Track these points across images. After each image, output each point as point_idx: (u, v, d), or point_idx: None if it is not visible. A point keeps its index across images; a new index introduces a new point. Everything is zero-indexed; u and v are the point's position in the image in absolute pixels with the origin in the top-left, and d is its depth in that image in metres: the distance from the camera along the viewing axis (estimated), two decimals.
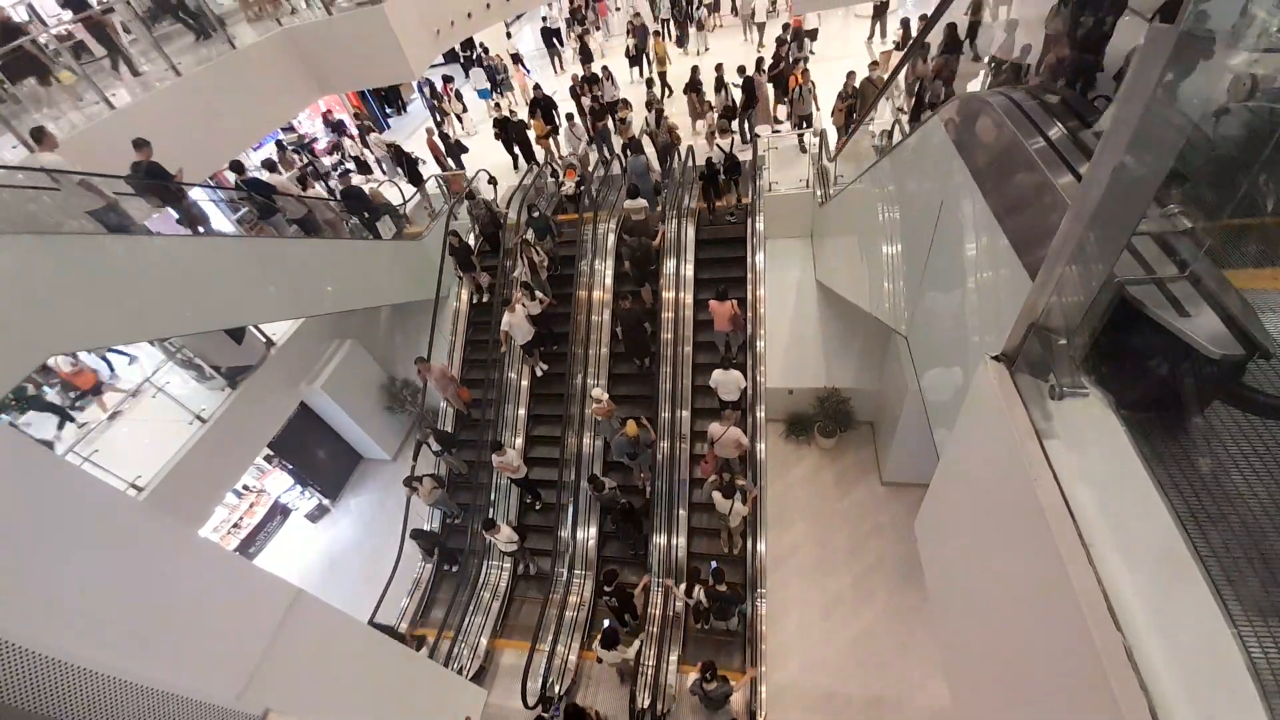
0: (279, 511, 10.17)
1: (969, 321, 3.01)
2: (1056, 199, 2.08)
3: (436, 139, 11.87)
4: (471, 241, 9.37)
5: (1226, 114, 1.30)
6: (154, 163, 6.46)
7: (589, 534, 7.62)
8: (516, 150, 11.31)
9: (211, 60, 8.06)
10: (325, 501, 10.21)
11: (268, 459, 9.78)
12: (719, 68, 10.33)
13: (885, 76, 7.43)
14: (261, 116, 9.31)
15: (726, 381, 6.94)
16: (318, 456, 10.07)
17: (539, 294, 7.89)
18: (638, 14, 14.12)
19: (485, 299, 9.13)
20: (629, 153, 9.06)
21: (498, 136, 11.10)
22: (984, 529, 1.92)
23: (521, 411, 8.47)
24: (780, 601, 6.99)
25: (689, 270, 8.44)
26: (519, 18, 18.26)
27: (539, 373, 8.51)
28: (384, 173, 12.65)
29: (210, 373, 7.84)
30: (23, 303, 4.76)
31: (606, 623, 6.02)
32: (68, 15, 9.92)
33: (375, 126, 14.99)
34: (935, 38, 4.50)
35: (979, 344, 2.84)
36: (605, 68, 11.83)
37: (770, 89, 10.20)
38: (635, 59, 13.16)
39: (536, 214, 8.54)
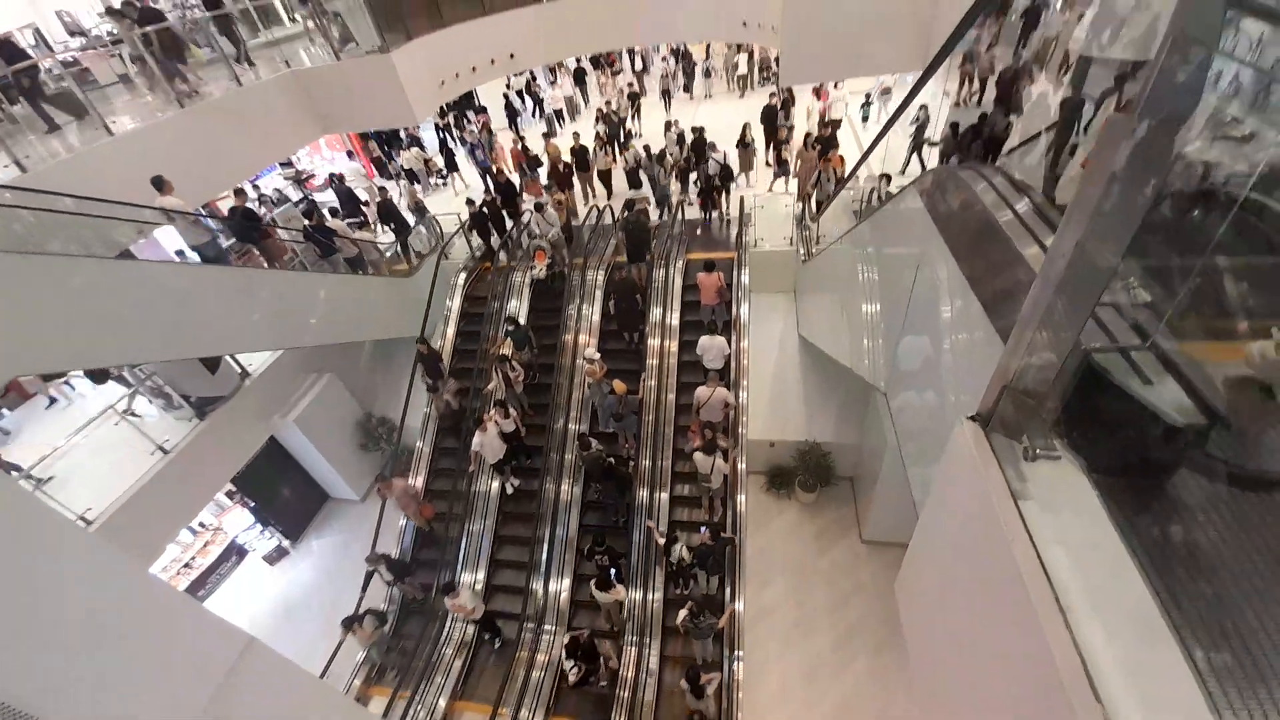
0: (235, 552, 9.66)
1: (945, 381, 3.08)
2: (1025, 268, 2.19)
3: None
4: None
5: (1181, 196, 1.40)
6: (248, 208, 7.67)
7: (561, 585, 7.32)
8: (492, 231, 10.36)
9: (214, 96, 8.24)
10: (285, 543, 9.73)
11: (229, 495, 9.38)
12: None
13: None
14: (262, 151, 9.46)
15: (712, 347, 7.41)
16: (282, 494, 9.67)
17: (514, 410, 7.53)
18: (631, 84, 15.05)
19: (456, 405, 8.44)
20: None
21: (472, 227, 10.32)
22: (963, 591, 1.90)
23: (487, 543, 7.75)
24: (759, 662, 6.75)
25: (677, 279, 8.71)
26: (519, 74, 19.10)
27: (509, 489, 7.88)
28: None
29: (179, 402, 7.59)
30: None
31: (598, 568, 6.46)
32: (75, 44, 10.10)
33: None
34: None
35: (955, 404, 2.90)
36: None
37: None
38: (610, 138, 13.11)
39: (513, 326, 8.21)
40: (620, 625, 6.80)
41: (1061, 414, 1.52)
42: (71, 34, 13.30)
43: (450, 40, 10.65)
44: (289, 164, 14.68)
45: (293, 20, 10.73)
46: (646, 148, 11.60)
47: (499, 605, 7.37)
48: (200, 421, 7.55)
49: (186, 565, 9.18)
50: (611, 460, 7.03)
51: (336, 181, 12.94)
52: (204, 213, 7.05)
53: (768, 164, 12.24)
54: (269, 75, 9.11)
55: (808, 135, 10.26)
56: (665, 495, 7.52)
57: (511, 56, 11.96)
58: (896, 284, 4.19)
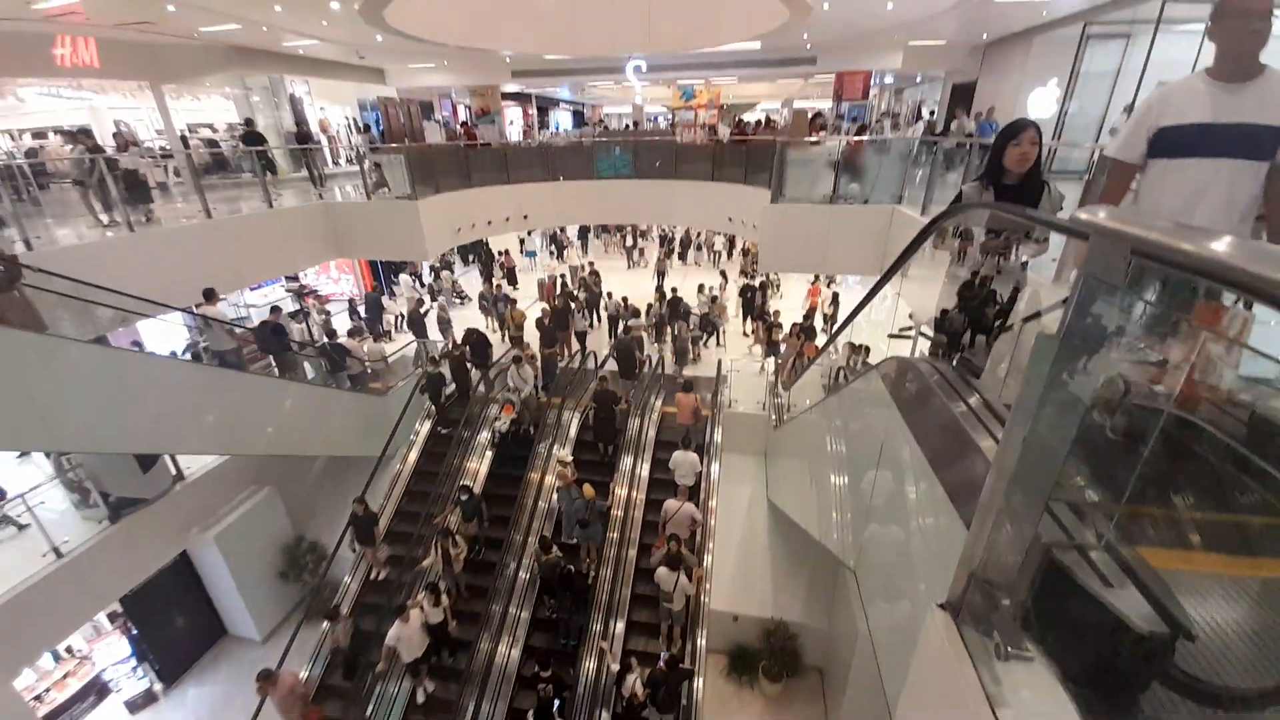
0: (96, 690, 7.98)
1: (915, 564, 3.02)
2: (980, 459, 2.30)
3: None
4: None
5: (1110, 409, 1.56)
6: (279, 324, 8.73)
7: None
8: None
9: (243, 214, 8.91)
10: (157, 686, 8.14)
11: (111, 616, 8.05)
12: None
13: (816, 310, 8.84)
14: (276, 264, 10.00)
15: (684, 462, 7.76)
16: (174, 622, 8.33)
17: (445, 596, 6.69)
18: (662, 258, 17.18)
19: (380, 576, 7.74)
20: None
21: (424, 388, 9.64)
22: None
23: None
24: None
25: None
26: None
27: (421, 697, 6.64)
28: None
29: (96, 500, 6.90)
30: None
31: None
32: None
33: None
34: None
35: (925, 591, 2.81)
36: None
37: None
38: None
39: (467, 497, 7.54)
40: None
41: (1031, 611, 1.49)
42: (123, 144, 14.68)
43: (473, 198, 11.99)
44: (294, 277, 15.32)
45: (336, 164, 12.14)
46: (625, 298, 12.80)
47: None
48: (110, 525, 6.79)
49: (37, 698, 7.48)
50: (571, 568, 6.82)
51: (369, 292, 14.31)
52: (237, 323, 7.85)
53: (744, 334, 13.35)
54: (302, 202, 9.96)
55: (794, 325, 11.27)
56: (622, 624, 7.01)
57: (525, 217, 13.38)
58: (863, 460, 4.30)
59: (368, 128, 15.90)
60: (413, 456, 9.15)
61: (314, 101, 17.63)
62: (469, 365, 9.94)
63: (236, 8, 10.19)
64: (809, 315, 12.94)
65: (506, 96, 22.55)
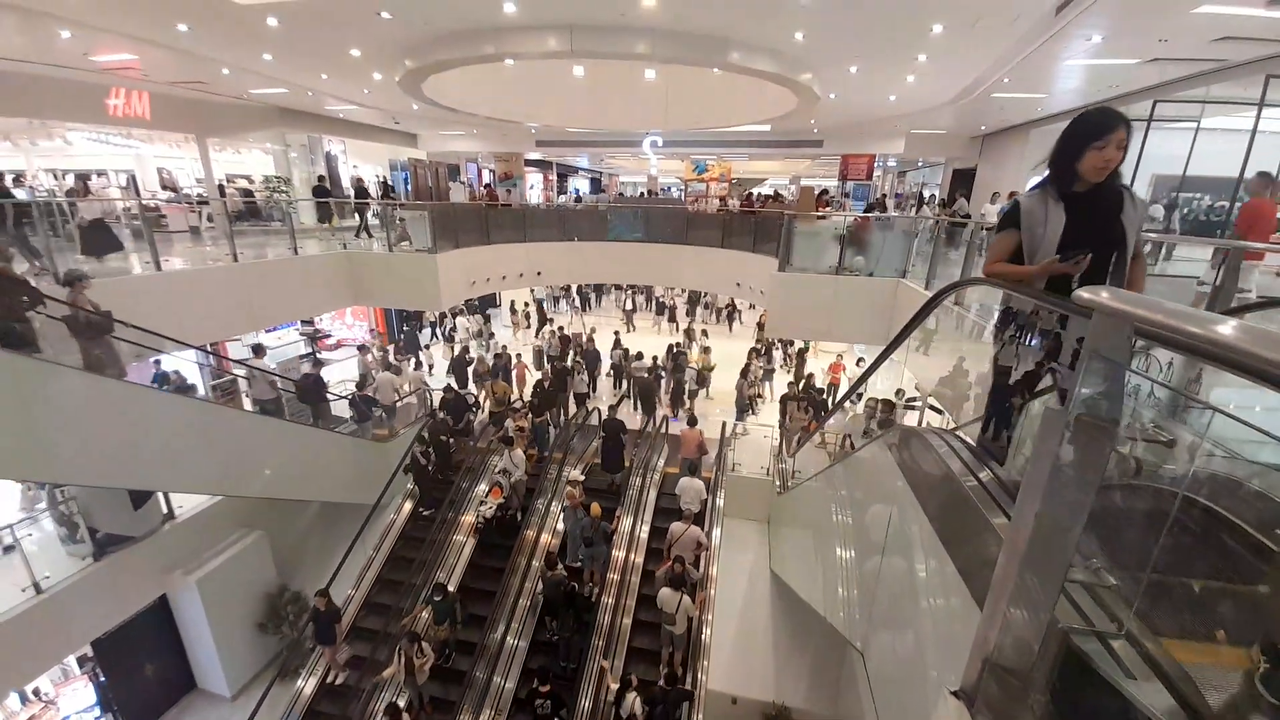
0: None
1: (927, 646, 2.87)
2: (993, 536, 2.24)
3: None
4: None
5: (1122, 488, 1.54)
6: (320, 376, 9.61)
7: None
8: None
9: (268, 259, 9.25)
10: None
11: (81, 660, 7.66)
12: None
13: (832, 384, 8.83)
14: (296, 307, 10.28)
15: (690, 488, 8.03)
16: (143, 671, 7.89)
17: (405, 715, 6.10)
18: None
19: (338, 680, 7.09)
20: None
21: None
22: None
23: None
24: None
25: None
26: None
27: None
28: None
29: (83, 535, 6.75)
30: None
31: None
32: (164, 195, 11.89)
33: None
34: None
35: (938, 676, 2.66)
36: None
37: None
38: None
39: (441, 596, 6.92)
40: None
41: (1050, 703, 1.41)
42: (164, 187, 15.54)
43: (491, 254, 12.41)
44: (309, 322, 15.65)
45: (361, 219, 12.71)
46: (626, 349, 13.00)
47: None
48: (94, 562, 6.60)
49: None
50: (574, 585, 6.90)
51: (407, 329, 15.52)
52: (279, 372, 8.81)
53: (762, 396, 13.30)
54: (324, 251, 10.35)
55: (800, 399, 11.04)
56: (623, 648, 7.02)
57: (539, 274, 13.77)
58: (870, 533, 4.17)
59: (392, 188, 16.84)
60: (388, 544, 8.58)
61: (348, 159, 18.70)
62: (447, 436, 9.60)
63: (287, 73, 11.03)
64: (827, 390, 12.86)
65: (529, 163, 23.81)
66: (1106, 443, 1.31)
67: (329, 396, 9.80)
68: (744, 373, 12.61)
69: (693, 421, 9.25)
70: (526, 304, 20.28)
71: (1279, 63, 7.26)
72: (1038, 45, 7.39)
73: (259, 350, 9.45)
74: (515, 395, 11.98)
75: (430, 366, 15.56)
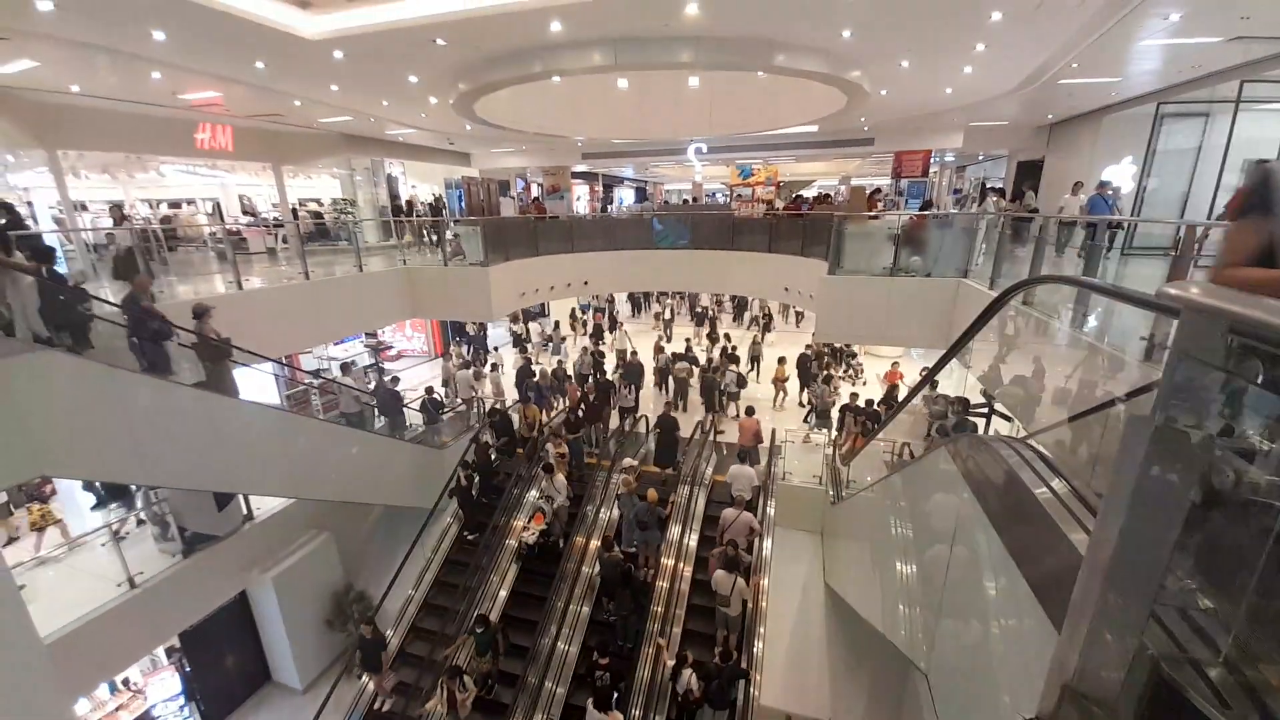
0: None
1: (998, 670, 2.70)
2: (1071, 553, 2.08)
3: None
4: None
5: (1218, 501, 1.39)
6: (396, 391, 10.50)
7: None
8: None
9: (336, 275, 9.85)
10: None
11: (169, 651, 8.32)
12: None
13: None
14: (362, 320, 10.92)
15: (741, 475, 8.30)
16: (224, 663, 8.51)
17: None
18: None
19: (385, 708, 7.24)
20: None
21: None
22: None
23: None
24: None
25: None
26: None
27: None
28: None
29: (173, 534, 7.35)
30: (37, 416, 4.91)
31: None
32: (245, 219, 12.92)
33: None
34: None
35: (1010, 703, 2.49)
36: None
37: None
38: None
39: (483, 628, 6.86)
40: None
41: None
42: (245, 213, 16.87)
43: (539, 265, 12.72)
44: (372, 334, 16.53)
45: (420, 238, 13.38)
46: (675, 353, 13.04)
47: None
48: (183, 559, 7.17)
49: None
50: (630, 566, 7.19)
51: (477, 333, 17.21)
52: (354, 388, 9.70)
53: (801, 404, 13.03)
54: (387, 267, 10.93)
55: (857, 412, 10.61)
56: (678, 628, 7.24)
57: (585, 284, 13.99)
58: (933, 547, 3.97)
59: (443, 207, 17.69)
60: (433, 570, 8.79)
61: (407, 180, 19.71)
62: (492, 455, 9.74)
63: (351, 102, 11.76)
64: (885, 398, 12.35)
65: (575, 175, 24.32)
66: (1197, 452, 1.20)
67: (404, 408, 10.57)
68: (826, 379, 12.53)
69: (750, 412, 9.73)
70: (583, 311, 20.65)
71: None
72: (1110, 26, 6.90)
73: (346, 369, 10.69)
74: (547, 419, 11.52)
75: (499, 366, 15.95)
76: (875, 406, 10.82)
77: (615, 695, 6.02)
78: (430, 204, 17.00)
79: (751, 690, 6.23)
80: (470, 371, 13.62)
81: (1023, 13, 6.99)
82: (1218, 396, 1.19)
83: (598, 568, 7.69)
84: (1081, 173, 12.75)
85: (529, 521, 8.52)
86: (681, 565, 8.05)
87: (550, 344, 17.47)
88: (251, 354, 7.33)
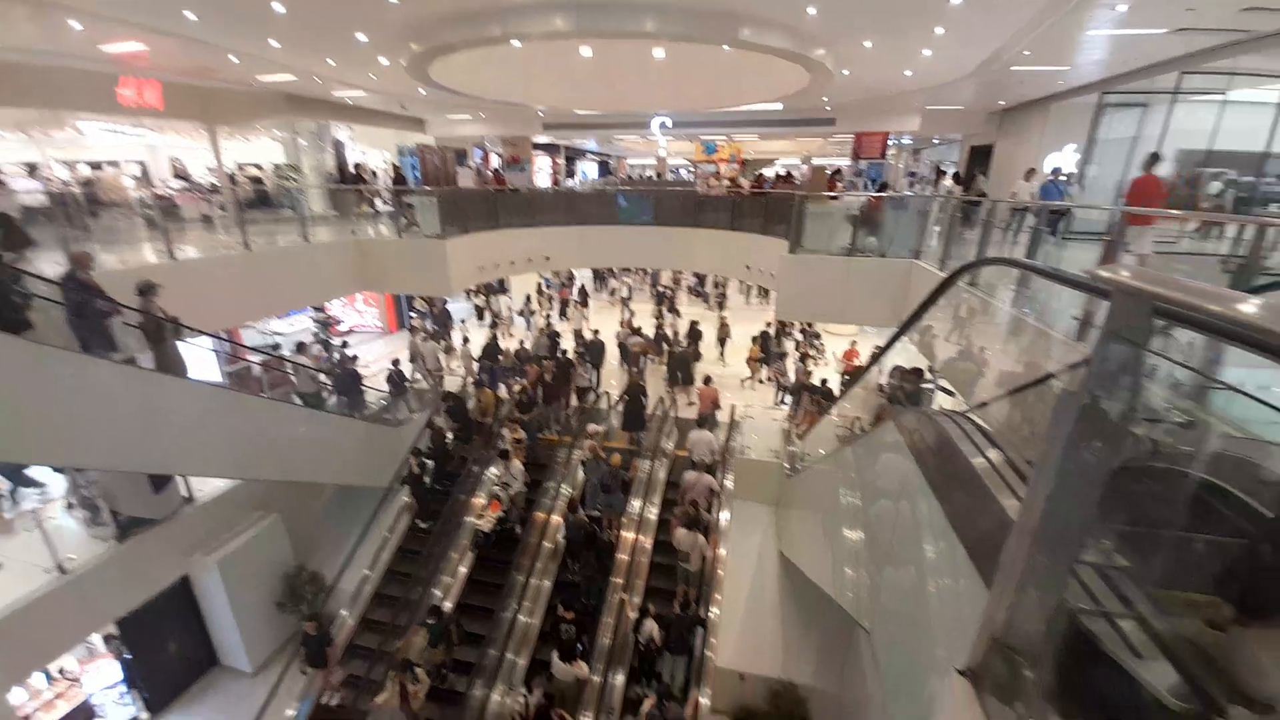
0: (83, 714, 7.77)
1: (935, 626, 2.88)
2: (1003, 517, 2.22)
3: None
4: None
5: (1136, 470, 1.51)
6: (356, 370, 10.30)
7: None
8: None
9: (279, 246, 9.31)
10: (144, 715, 7.92)
11: (106, 639, 7.93)
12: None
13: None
14: (308, 294, 10.37)
15: (700, 441, 8.69)
16: (166, 649, 8.17)
17: None
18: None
19: (333, 702, 6.94)
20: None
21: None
22: None
23: None
24: None
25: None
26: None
27: None
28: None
29: (106, 518, 6.94)
30: None
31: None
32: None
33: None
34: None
35: (945, 656, 2.67)
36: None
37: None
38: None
39: (435, 619, 6.78)
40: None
41: (1056, 682, 1.41)
42: (176, 176, 15.65)
43: (500, 239, 12.37)
44: (321, 308, 15.79)
45: (371, 206, 12.73)
46: (632, 326, 13.77)
47: None
48: (117, 544, 6.80)
49: (26, 719, 7.31)
50: (595, 528, 7.49)
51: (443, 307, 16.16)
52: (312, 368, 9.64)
53: (761, 381, 13.29)
54: (335, 238, 10.40)
55: (813, 391, 10.89)
56: (641, 582, 7.58)
57: (547, 259, 13.72)
58: (879, 514, 4.17)
59: (402, 176, 16.91)
60: (384, 560, 8.49)
61: (356, 145, 18.66)
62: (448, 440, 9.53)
63: (294, 60, 10.97)
64: (844, 377, 12.73)
65: (537, 146, 23.60)
66: (1121, 425, 1.29)
67: (363, 388, 10.25)
68: (803, 358, 12.89)
69: (708, 380, 10.20)
70: (547, 286, 20.28)
71: None
72: (1061, 15, 7.13)
73: (303, 347, 10.41)
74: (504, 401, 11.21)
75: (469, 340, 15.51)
76: (827, 386, 11.17)
77: (579, 648, 6.34)
78: (392, 173, 16.22)
79: (709, 638, 6.66)
80: (440, 345, 13.56)
81: None
82: (1142, 373, 1.27)
83: (563, 531, 7.90)
84: (1029, 158, 13.28)
85: (485, 509, 8.38)
86: (642, 536, 8.28)
87: (525, 318, 17.29)
88: (190, 329, 6.89)
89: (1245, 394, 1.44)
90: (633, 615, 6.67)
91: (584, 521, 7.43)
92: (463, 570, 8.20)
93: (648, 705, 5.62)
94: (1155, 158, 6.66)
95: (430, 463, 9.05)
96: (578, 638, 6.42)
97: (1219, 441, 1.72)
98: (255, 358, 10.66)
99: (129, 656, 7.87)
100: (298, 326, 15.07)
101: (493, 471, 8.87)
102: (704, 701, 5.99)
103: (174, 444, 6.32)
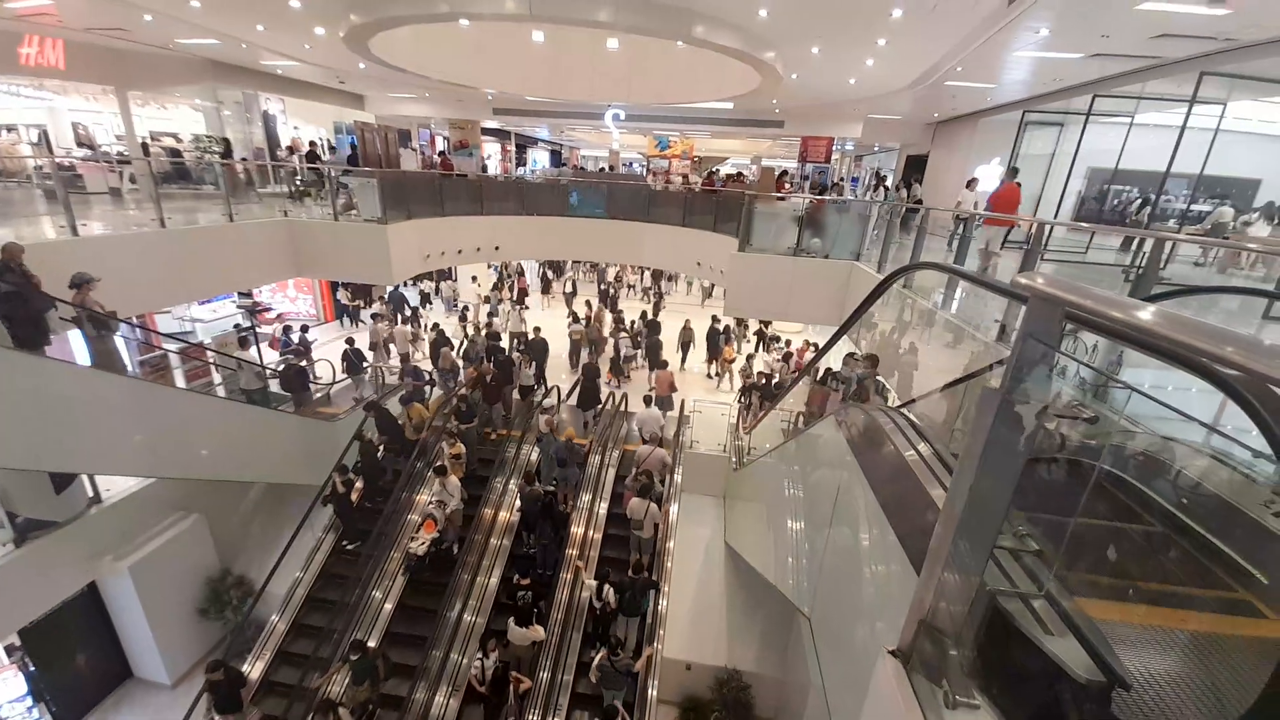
0: None
1: (868, 610, 3.04)
2: (932, 507, 2.37)
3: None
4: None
5: (1047, 462, 1.65)
6: (302, 367, 9.87)
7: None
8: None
9: (200, 225, 8.62)
10: None
11: (9, 650, 7.17)
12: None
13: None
14: (232, 279, 9.67)
15: (649, 419, 9.13)
16: (75, 660, 7.48)
17: None
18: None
19: None
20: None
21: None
22: None
23: None
24: None
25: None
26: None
27: None
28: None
29: (2, 520, 6.26)
30: None
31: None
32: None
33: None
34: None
35: (877, 638, 2.82)
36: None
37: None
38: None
39: (359, 655, 5.97)
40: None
41: (977, 659, 1.52)
42: (80, 144, 14.14)
43: (445, 226, 11.94)
44: (247, 294, 14.75)
45: (303, 183, 11.97)
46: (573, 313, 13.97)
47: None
48: (15, 549, 6.15)
49: None
50: (551, 498, 7.57)
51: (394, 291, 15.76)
52: (265, 366, 9.08)
53: (709, 375, 13.57)
54: (265, 219, 9.72)
55: (757, 391, 11.00)
56: (595, 552, 7.81)
57: (497, 249, 13.39)
58: (819, 505, 4.35)
59: (335, 150, 15.96)
60: (304, 586, 7.62)
61: (288, 120, 17.48)
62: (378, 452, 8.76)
63: (218, 23, 10.14)
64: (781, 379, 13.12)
65: (486, 132, 22.91)
66: (1035, 419, 1.40)
67: (311, 386, 9.89)
68: (786, 358, 13.18)
69: (664, 365, 11.20)
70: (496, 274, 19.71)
71: (1213, 60, 7.72)
72: (989, 36, 7.60)
73: (245, 342, 9.67)
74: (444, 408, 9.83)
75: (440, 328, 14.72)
76: (775, 384, 11.54)
77: (535, 613, 6.50)
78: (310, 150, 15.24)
79: (662, 600, 6.91)
80: (409, 331, 13.65)
81: (920, 12, 7.48)
82: (1053, 372, 1.38)
83: (517, 503, 8.08)
84: (959, 169, 14.12)
85: (418, 530, 7.62)
86: (599, 499, 8.62)
87: (490, 306, 16.97)
88: (106, 316, 6.27)
89: (1141, 392, 1.60)
90: (590, 582, 6.89)
91: (539, 494, 7.54)
92: (393, 596, 7.39)
93: (599, 657, 5.96)
94: (1014, 171, 7.91)
95: (358, 481, 8.24)
96: (534, 604, 6.59)
97: (1119, 436, 1.91)
98: (172, 345, 9.87)
99: (34, 669, 7.16)
100: (221, 313, 14.02)
101: (426, 495, 8.13)
102: (657, 647, 6.32)
103: (77, 440, 5.76)
